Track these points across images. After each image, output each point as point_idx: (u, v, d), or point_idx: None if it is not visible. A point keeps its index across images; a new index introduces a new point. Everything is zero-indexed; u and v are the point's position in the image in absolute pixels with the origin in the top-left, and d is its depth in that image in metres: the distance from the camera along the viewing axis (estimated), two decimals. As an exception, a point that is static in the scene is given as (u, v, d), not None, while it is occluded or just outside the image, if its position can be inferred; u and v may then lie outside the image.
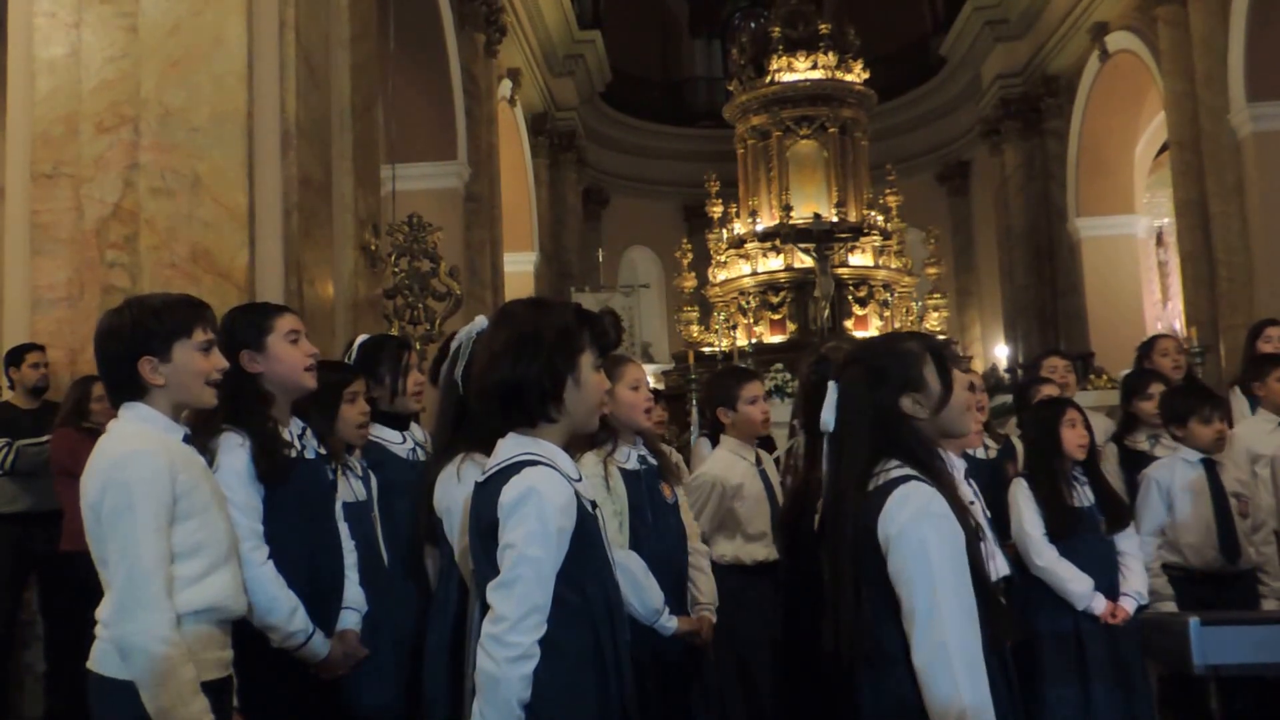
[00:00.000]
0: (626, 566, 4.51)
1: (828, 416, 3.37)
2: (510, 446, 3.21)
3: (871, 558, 3.14)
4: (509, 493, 3.08)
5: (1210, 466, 6.33)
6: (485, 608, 3.10)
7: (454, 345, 4.04)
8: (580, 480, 3.26)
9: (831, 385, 3.40)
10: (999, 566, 5.52)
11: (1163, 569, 6.33)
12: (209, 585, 3.48)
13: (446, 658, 3.84)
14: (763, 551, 5.87)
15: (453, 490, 3.79)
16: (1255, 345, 7.91)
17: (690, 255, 22.07)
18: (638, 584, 4.63)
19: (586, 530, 3.16)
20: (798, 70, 21.68)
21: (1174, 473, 6.40)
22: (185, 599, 3.40)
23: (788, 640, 5.25)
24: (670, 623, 4.78)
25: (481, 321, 4.02)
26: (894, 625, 3.09)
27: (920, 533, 3.05)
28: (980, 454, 6.72)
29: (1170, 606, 6.18)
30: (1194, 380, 7.94)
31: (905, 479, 3.15)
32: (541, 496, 3.05)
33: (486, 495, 3.15)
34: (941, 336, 19.96)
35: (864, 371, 3.35)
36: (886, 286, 20.80)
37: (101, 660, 3.40)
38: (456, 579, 3.85)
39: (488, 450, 3.43)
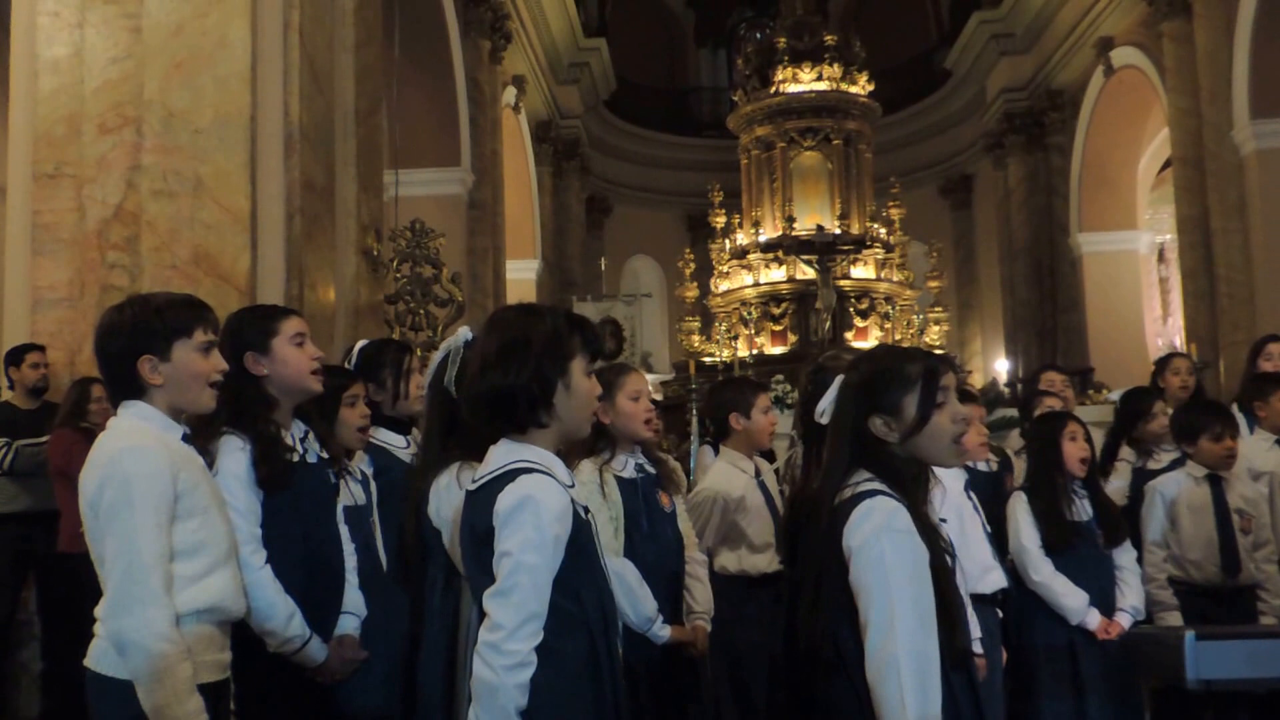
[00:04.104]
0: (620, 574, 4.51)
1: (824, 406, 3.39)
2: (503, 454, 3.19)
3: (835, 566, 3.17)
4: (505, 500, 3.06)
5: (1215, 483, 6.32)
6: (481, 615, 3.09)
7: (439, 354, 4.03)
8: (574, 486, 3.25)
9: (838, 379, 3.40)
10: (996, 579, 5.53)
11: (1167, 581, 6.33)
12: (209, 585, 3.46)
13: (442, 666, 3.83)
14: (766, 562, 5.87)
15: (451, 500, 3.79)
16: (1257, 362, 7.88)
17: (692, 265, 22.01)
18: (631, 592, 4.63)
19: (581, 537, 3.15)
20: (803, 81, 21.62)
21: (1179, 487, 6.39)
22: (185, 599, 3.38)
23: (788, 651, 5.24)
24: (663, 631, 4.78)
25: (466, 332, 4.02)
26: (852, 633, 3.12)
27: (880, 547, 3.07)
28: (983, 467, 6.72)
29: (1175, 617, 6.18)
30: (1205, 397, 7.91)
31: (872, 493, 3.17)
32: (538, 503, 3.04)
33: (480, 503, 3.14)
34: (942, 351, 19.96)
35: (855, 380, 3.35)
36: (888, 299, 20.76)
37: (100, 658, 3.38)
38: (452, 587, 3.85)
39: (480, 459, 3.43)
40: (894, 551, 3.07)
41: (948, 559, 3.25)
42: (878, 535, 3.09)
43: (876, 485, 3.20)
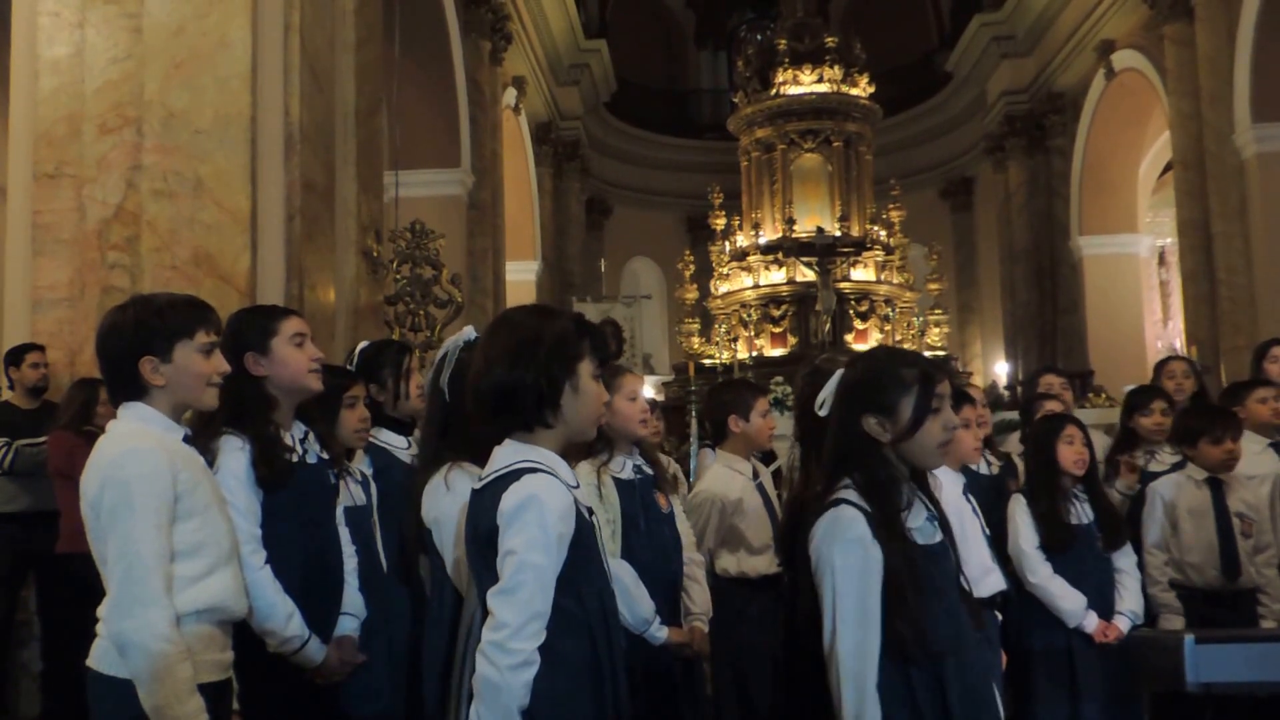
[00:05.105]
0: (618, 576, 4.50)
1: (824, 396, 3.46)
2: (508, 453, 3.19)
3: (811, 568, 3.32)
4: (509, 500, 3.06)
5: (1216, 486, 6.31)
6: (485, 614, 3.09)
7: (440, 354, 4.03)
8: (578, 487, 3.25)
9: (838, 373, 3.47)
10: (995, 582, 5.52)
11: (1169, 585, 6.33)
12: (210, 585, 3.47)
13: (442, 666, 3.83)
14: (765, 564, 5.86)
15: (441, 500, 3.78)
16: (1262, 365, 7.85)
17: (692, 267, 22.04)
18: (628, 593, 4.63)
19: (584, 538, 3.16)
20: (803, 83, 21.63)
21: (1179, 490, 6.38)
22: (186, 599, 3.39)
23: (788, 652, 5.23)
24: (660, 633, 4.78)
25: (469, 331, 4.03)
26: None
27: (831, 555, 3.24)
28: (984, 469, 6.70)
29: (1179, 620, 6.17)
30: (1205, 400, 7.89)
31: (838, 502, 3.29)
32: (542, 503, 3.04)
33: (485, 502, 3.14)
34: (941, 353, 19.96)
35: (852, 378, 3.42)
36: (888, 301, 20.77)
37: (101, 658, 3.39)
38: (450, 588, 3.85)
39: (475, 458, 3.44)
40: (842, 559, 3.22)
41: (926, 563, 3.31)
42: (830, 542, 3.25)
43: (846, 494, 3.30)
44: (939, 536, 3.40)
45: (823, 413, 3.45)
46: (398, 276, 9.57)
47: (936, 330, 20.85)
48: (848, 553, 3.21)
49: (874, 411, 3.34)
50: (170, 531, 3.37)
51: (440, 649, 3.84)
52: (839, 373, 3.47)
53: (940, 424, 3.36)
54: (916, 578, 3.26)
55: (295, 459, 4.23)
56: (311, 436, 4.38)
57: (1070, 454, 5.89)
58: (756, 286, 21.21)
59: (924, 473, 3.47)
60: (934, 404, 3.34)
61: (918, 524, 3.35)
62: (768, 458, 6.91)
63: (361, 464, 4.99)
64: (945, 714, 3.25)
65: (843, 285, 20.19)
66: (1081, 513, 5.91)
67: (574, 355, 3.24)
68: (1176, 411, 6.94)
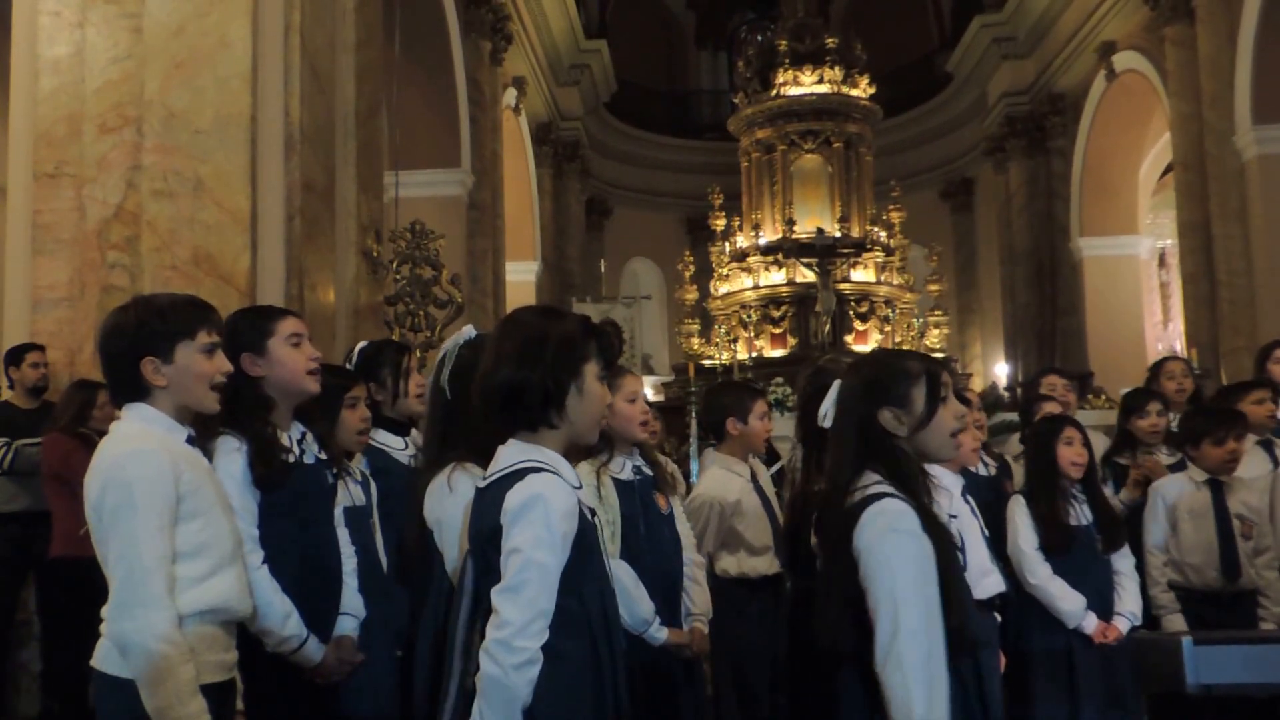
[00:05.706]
0: (617, 576, 4.50)
1: (825, 409, 3.52)
2: (513, 453, 3.21)
3: (848, 566, 3.27)
4: (514, 498, 3.08)
5: (1216, 487, 6.32)
6: (486, 613, 3.09)
7: (440, 353, 4.03)
8: (581, 487, 3.26)
9: (836, 383, 3.53)
10: (994, 583, 5.51)
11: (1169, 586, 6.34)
12: (213, 586, 3.47)
13: (431, 664, 3.83)
14: (765, 564, 5.87)
15: (444, 501, 3.78)
16: (1266, 366, 7.85)
17: (692, 268, 22.00)
18: (628, 594, 4.62)
19: (586, 538, 3.17)
20: (803, 84, 21.58)
21: (1180, 491, 6.39)
22: (189, 599, 3.39)
23: (791, 653, 5.23)
24: (659, 633, 4.77)
25: (469, 330, 4.03)
26: (859, 628, 3.23)
27: (885, 549, 3.20)
28: (981, 471, 6.71)
29: (1177, 620, 6.18)
30: (1203, 401, 7.89)
31: (880, 496, 3.28)
32: (546, 502, 3.06)
33: (489, 501, 3.16)
34: (941, 354, 19.94)
35: (857, 380, 3.46)
36: (888, 302, 20.72)
37: (105, 658, 3.39)
38: (448, 587, 3.84)
39: (478, 459, 3.44)
40: (899, 553, 3.19)
41: (957, 554, 3.34)
42: (884, 537, 3.21)
43: (884, 488, 3.30)
44: (953, 537, 3.44)
45: (826, 424, 3.51)
46: (398, 277, 9.57)
47: (936, 331, 20.80)
48: (904, 545, 3.20)
49: (889, 404, 3.39)
50: (172, 533, 3.37)
51: (431, 648, 3.84)
52: (837, 383, 3.52)
53: (951, 413, 3.45)
54: (958, 568, 3.32)
55: (292, 459, 4.23)
56: (309, 437, 4.38)
57: (1069, 455, 5.89)
58: (756, 287, 21.17)
59: (927, 477, 3.48)
60: (941, 393, 3.42)
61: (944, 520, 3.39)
62: (771, 458, 6.90)
63: (360, 464, 4.98)
64: (983, 702, 3.28)
65: (843, 286, 20.15)
66: (1081, 514, 5.92)
67: (580, 357, 3.26)
68: (1185, 413, 6.92)
